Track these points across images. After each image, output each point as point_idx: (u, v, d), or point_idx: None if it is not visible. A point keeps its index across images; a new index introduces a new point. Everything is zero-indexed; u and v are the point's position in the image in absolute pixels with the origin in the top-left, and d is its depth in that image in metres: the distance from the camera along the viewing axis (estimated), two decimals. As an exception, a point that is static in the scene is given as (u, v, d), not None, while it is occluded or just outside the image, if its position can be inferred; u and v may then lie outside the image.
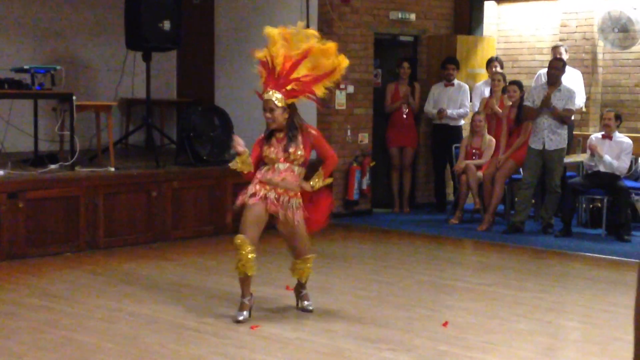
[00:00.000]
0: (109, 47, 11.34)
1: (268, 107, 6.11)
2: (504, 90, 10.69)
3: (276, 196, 6.11)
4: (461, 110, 11.20)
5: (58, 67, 9.01)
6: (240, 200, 6.20)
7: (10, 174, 8.37)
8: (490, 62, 11.26)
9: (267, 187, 6.12)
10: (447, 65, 11.19)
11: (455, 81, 11.23)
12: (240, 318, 6.10)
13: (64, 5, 11.24)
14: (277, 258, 7.85)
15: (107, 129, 9.32)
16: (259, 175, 6.18)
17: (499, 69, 11.12)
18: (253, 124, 10.42)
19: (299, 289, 6.48)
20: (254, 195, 6.12)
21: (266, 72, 6.13)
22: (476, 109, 10.87)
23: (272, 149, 6.15)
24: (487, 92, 10.98)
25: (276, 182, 6.12)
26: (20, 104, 9.66)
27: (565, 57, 10.78)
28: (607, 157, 9.57)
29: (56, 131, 9.31)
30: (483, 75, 11.56)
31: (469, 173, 10.29)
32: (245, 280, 6.14)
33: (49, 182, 8.39)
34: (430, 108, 11.28)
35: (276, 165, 6.14)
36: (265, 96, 6.10)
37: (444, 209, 11.26)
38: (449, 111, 11.10)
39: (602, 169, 9.68)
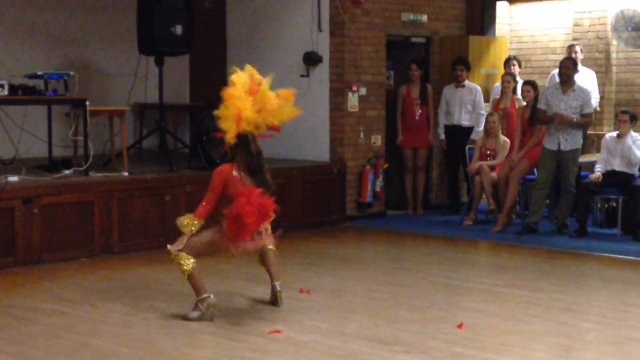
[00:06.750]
0: (121, 53, 11.38)
1: None
2: (515, 90, 10.65)
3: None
4: (480, 120, 11.04)
5: (71, 73, 9.05)
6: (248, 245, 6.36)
7: (24, 179, 8.41)
8: (507, 62, 11.20)
9: None
10: (455, 66, 11.13)
11: (466, 82, 11.17)
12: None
13: (76, 11, 11.29)
14: (289, 261, 7.85)
15: (121, 134, 9.34)
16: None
17: (517, 68, 11.06)
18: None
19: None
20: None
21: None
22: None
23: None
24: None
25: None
26: (34, 110, 9.71)
27: (580, 56, 10.73)
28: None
29: (70, 136, 9.35)
30: (497, 75, 11.52)
31: (483, 174, 10.25)
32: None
33: (63, 187, 8.42)
34: (442, 113, 11.22)
35: None
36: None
37: (457, 210, 11.23)
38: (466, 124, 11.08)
39: (616, 167, 9.65)
